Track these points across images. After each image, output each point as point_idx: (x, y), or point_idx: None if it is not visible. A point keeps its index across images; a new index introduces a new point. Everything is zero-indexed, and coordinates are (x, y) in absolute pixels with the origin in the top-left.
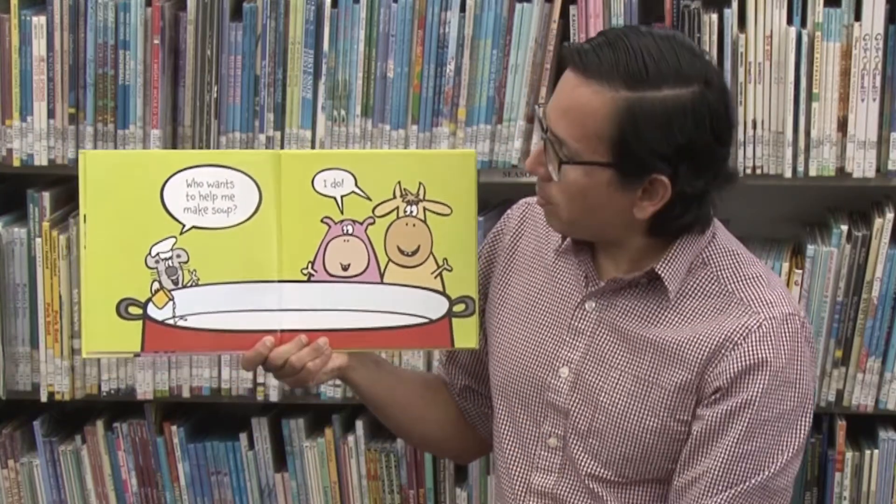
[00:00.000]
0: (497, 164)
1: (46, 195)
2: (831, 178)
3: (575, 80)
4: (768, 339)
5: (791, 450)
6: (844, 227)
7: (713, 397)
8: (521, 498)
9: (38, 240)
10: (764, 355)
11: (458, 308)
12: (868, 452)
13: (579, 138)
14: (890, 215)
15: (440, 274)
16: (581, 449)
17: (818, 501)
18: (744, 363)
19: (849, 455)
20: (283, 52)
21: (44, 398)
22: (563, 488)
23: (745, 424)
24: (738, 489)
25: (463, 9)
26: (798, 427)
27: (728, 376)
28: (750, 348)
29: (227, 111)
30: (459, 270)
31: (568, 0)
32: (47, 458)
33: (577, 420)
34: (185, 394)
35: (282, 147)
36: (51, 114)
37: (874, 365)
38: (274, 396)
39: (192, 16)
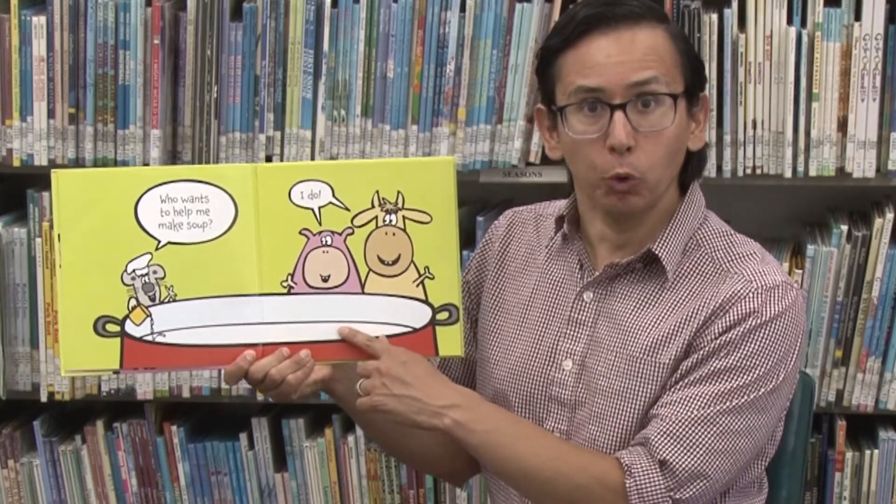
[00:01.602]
0: (497, 164)
1: (46, 195)
2: (831, 178)
3: (628, 34)
4: (759, 299)
5: (753, 397)
6: (844, 227)
7: (696, 356)
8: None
9: (38, 240)
10: (751, 309)
11: (442, 316)
12: (868, 452)
13: (664, 73)
14: (890, 215)
15: (422, 282)
16: (581, 438)
17: (818, 501)
18: (732, 320)
19: (849, 455)
20: (283, 52)
21: (44, 398)
22: None
23: (716, 367)
24: (699, 412)
25: (463, 9)
26: (769, 387)
27: (713, 335)
28: (740, 307)
29: (227, 111)
30: (442, 278)
31: (568, 0)
32: (47, 458)
33: (581, 410)
34: (185, 394)
35: (282, 147)
36: (51, 114)
37: (874, 365)
38: None
39: (192, 16)
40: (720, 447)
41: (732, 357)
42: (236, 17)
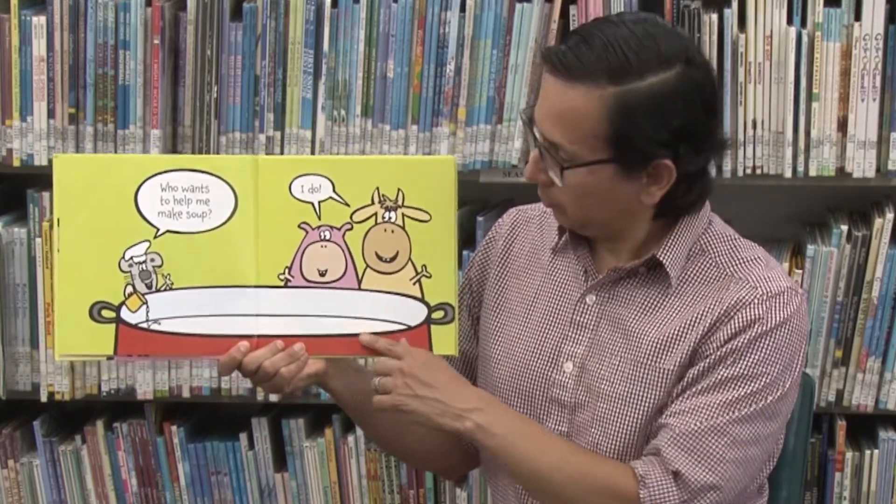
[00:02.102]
0: (497, 164)
1: (46, 195)
2: (831, 178)
3: (560, 85)
4: (763, 306)
5: (762, 402)
6: (844, 227)
7: (703, 364)
8: (523, 495)
9: (38, 240)
10: (756, 315)
11: (437, 315)
12: (868, 452)
13: (576, 141)
14: (890, 215)
15: (419, 280)
16: (584, 442)
17: (818, 501)
18: (737, 327)
19: (849, 455)
20: (283, 52)
21: (44, 398)
22: None
23: (723, 376)
24: (702, 424)
25: (463, 9)
26: (776, 394)
27: (719, 342)
28: (745, 314)
29: (227, 111)
30: (438, 277)
31: (568, 0)
32: (47, 458)
33: (582, 413)
34: (185, 394)
35: (282, 147)
36: (51, 114)
37: (874, 365)
38: (274, 396)
39: (192, 16)
40: (731, 457)
41: (739, 365)
42: (236, 17)
